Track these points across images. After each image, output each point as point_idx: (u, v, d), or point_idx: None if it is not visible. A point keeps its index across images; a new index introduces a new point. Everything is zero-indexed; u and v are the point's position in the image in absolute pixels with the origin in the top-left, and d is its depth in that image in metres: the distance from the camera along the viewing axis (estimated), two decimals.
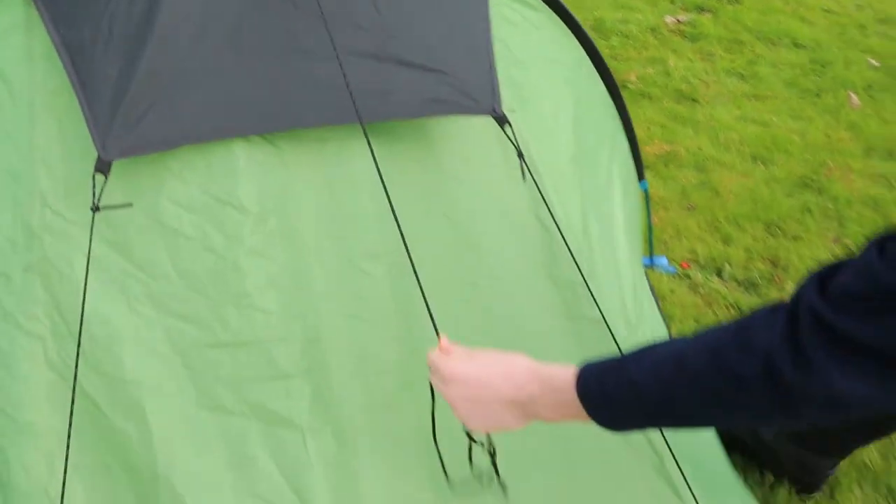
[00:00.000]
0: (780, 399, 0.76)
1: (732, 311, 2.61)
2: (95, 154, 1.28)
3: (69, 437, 1.22)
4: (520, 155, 1.51)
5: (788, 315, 0.77)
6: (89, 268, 1.27)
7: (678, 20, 4.83)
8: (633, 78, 4.07)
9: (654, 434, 1.52)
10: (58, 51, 1.31)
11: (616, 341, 1.54)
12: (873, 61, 4.50)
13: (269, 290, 1.33)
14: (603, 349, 1.49)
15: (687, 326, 2.41)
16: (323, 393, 1.32)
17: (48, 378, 1.29)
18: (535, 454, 1.36)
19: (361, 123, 1.31)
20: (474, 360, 1.00)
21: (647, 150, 3.29)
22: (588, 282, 1.57)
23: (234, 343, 1.31)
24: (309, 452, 1.30)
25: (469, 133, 1.54)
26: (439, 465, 1.21)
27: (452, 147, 1.52)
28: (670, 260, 2.78)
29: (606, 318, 1.53)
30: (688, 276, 2.75)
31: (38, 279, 1.31)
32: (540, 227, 1.56)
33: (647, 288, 1.90)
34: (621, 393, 0.87)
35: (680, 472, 1.50)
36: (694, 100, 3.99)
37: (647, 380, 0.85)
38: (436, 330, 1.16)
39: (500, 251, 1.52)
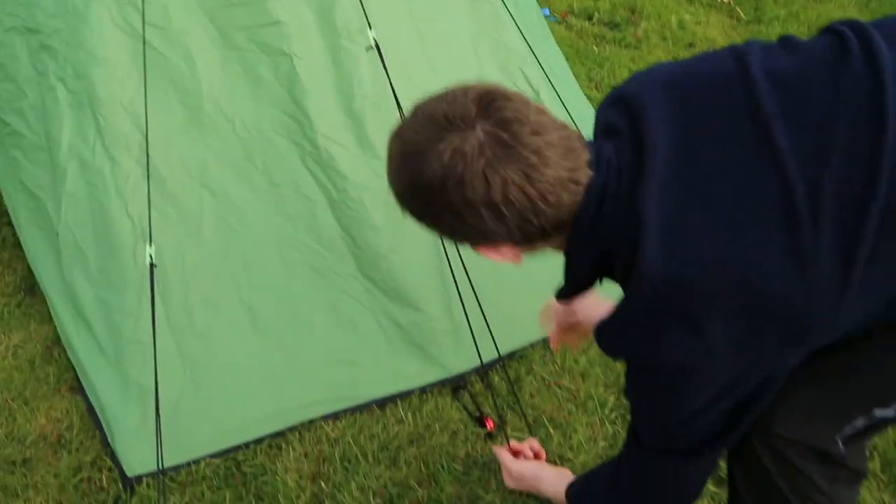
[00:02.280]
0: None
1: (598, 42, 3.30)
2: None
3: (144, 53, 1.81)
4: None
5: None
6: None
7: None
8: None
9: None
10: None
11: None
12: None
13: None
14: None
15: (565, 49, 3.08)
16: (304, 27, 1.92)
17: (115, 34, 1.87)
18: None
19: None
20: (525, 466, 1.59)
21: None
22: None
23: (242, 2, 1.89)
24: (298, 73, 1.92)
25: None
26: None
27: None
28: (552, 11, 3.44)
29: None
30: (566, 22, 3.43)
31: None
32: None
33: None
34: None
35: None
36: None
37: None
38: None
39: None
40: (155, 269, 1.69)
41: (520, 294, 2.06)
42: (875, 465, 1.82)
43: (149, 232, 1.73)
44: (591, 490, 1.38)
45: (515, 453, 1.64)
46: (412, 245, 1.95)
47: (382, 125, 1.95)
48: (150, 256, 1.70)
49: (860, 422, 1.08)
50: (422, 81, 2.04)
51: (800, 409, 1.11)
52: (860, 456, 1.18)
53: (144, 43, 1.84)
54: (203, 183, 1.88)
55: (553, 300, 1.30)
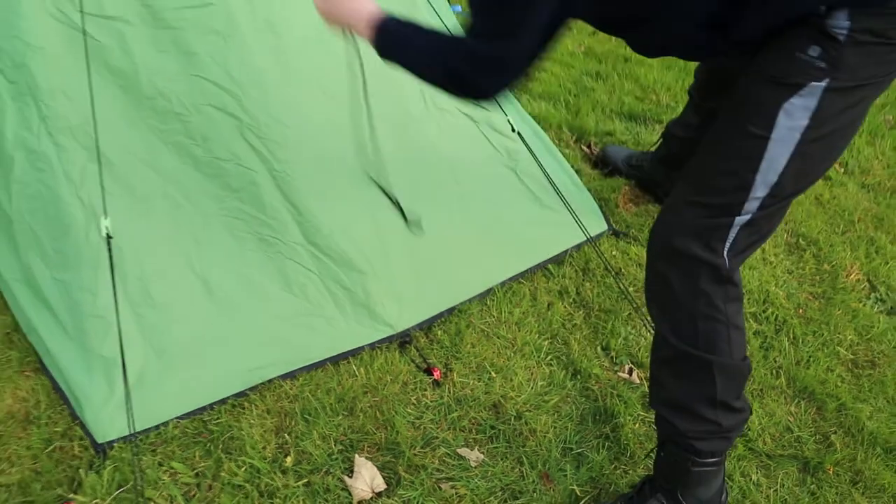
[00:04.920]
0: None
1: None
2: None
3: (86, 43, 1.90)
4: None
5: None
6: None
7: None
8: None
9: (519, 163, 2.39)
10: None
11: None
12: None
13: None
14: None
15: None
16: (234, 9, 2.04)
17: (49, 23, 1.92)
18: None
19: None
20: None
21: None
22: None
23: None
24: (231, 49, 2.01)
25: None
26: None
27: None
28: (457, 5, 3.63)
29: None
30: None
31: None
32: None
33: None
34: (391, 45, 1.48)
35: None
36: None
37: (404, 46, 1.46)
38: None
39: None
40: (112, 241, 1.78)
41: (452, 256, 2.23)
42: (781, 381, 2.04)
43: (102, 207, 1.81)
44: (408, 40, 1.46)
45: None
46: (351, 211, 2.09)
47: (314, 100, 2.10)
48: (107, 228, 1.79)
49: (732, 233, 1.33)
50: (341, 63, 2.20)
51: (684, 222, 1.43)
52: (739, 272, 1.47)
53: (85, 33, 1.92)
54: (148, 163, 1.97)
55: None
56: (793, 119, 1.26)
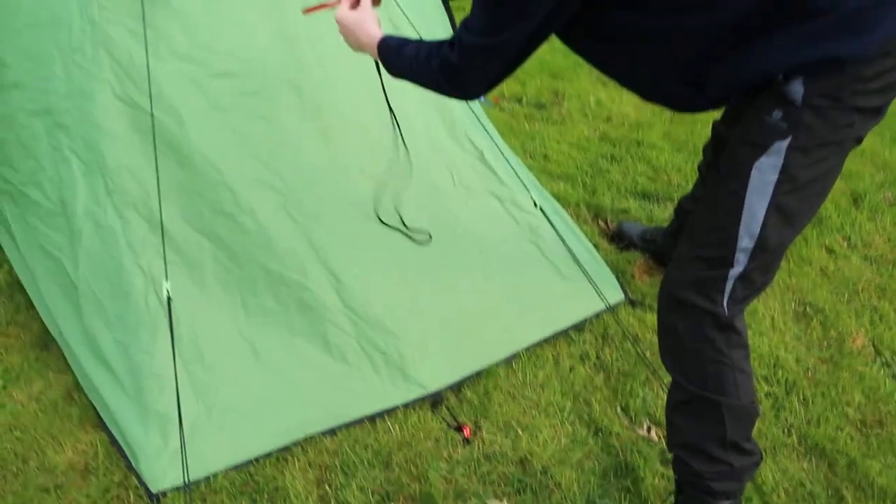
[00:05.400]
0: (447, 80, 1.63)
1: (528, 121, 3.75)
2: None
3: (154, 125, 2.11)
4: None
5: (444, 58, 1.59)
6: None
7: None
8: None
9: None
10: None
11: None
12: None
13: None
14: None
15: (500, 127, 3.49)
16: (281, 98, 2.27)
17: (116, 104, 2.16)
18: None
19: None
20: (352, 13, 1.82)
21: None
22: None
23: (227, 74, 2.23)
24: (277, 133, 2.24)
25: None
26: None
27: None
28: (486, 97, 3.88)
29: None
30: (499, 106, 3.88)
31: (102, 48, 2.17)
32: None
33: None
34: (391, 57, 1.75)
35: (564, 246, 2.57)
36: None
37: (400, 55, 1.71)
38: None
39: None
40: (172, 303, 1.95)
41: (479, 322, 2.38)
42: (793, 439, 2.15)
43: (164, 272, 2.00)
44: (403, 49, 1.70)
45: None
46: (385, 279, 2.27)
47: (351, 177, 2.31)
48: (167, 291, 1.97)
49: (729, 284, 1.47)
50: (379, 145, 2.42)
51: (686, 276, 1.60)
52: (742, 320, 1.61)
53: (153, 118, 2.14)
54: (201, 230, 2.16)
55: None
56: (764, 175, 1.43)
